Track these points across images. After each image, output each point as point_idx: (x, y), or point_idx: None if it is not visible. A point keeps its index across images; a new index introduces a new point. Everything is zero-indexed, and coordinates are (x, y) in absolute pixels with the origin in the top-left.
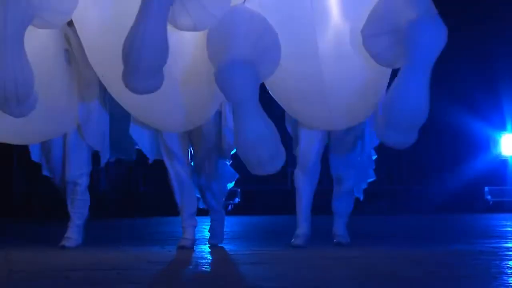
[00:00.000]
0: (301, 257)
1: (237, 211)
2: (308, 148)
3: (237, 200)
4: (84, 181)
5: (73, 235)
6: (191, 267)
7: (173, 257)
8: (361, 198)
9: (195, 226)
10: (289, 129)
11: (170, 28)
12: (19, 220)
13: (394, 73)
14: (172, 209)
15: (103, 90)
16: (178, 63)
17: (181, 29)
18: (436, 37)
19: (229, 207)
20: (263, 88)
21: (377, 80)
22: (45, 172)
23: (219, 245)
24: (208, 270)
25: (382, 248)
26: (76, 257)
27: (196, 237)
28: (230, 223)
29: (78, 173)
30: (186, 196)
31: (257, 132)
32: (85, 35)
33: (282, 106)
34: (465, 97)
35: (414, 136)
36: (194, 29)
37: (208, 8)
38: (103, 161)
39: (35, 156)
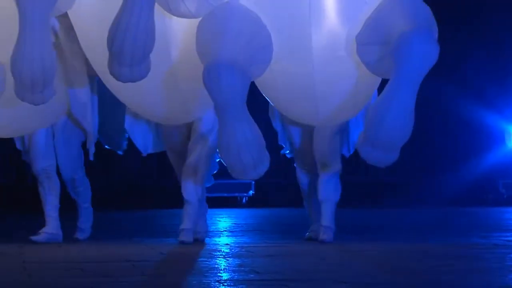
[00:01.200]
0: (316, 250)
1: (251, 203)
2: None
3: (251, 192)
4: (79, 174)
5: (83, 223)
6: (205, 259)
7: (187, 249)
8: None
9: (204, 215)
10: (274, 123)
11: (167, 19)
12: (31, 213)
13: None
14: None
15: (91, 82)
16: (172, 54)
17: (178, 16)
18: (425, 54)
19: (244, 200)
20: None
21: (368, 84)
22: (24, 158)
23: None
24: (223, 262)
25: (396, 241)
26: (89, 249)
27: (211, 229)
28: (244, 216)
29: (72, 169)
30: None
31: (241, 137)
32: (79, 25)
33: (269, 101)
34: (480, 90)
35: (395, 155)
36: (191, 16)
37: None
38: (91, 152)
39: (19, 144)
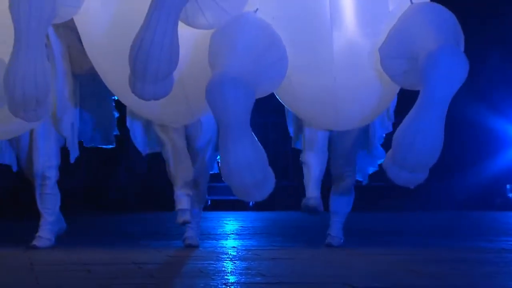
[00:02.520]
0: (322, 254)
1: (258, 207)
2: (314, 133)
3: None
4: (53, 174)
5: (45, 234)
6: (212, 262)
7: (194, 252)
8: (365, 182)
9: (189, 196)
10: (290, 128)
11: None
12: (31, 216)
13: None
14: None
15: (76, 84)
16: (182, 60)
17: (195, 27)
18: (455, 72)
19: (250, 203)
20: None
21: (390, 90)
22: (14, 167)
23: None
24: (230, 265)
25: (404, 245)
26: (96, 252)
27: (218, 232)
28: (251, 219)
29: (46, 165)
30: (182, 163)
31: (242, 159)
32: (85, 29)
33: (286, 106)
34: (487, 94)
35: (424, 175)
36: (208, 27)
37: (223, 7)
38: (73, 156)
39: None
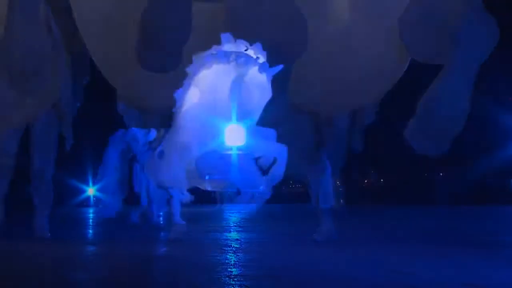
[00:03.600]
0: (327, 246)
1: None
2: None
3: (261, 188)
4: (50, 168)
5: (44, 224)
6: (215, 254)
7: (197, 244)
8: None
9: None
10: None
11: None
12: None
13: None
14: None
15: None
16: None
17: None
18: (486, 37)
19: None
20: None
21: (381, 73)
22: None
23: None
24: (233, 257)
25: (410, 238)
26: (99, 246)
27: (221, 225)
28: (254, 212)
29: (44, 160)
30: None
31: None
32: (80, 12)
33: (292, 88)
34: (493, 88)
35: (446, 146)
36: None
37: None
38: (69, 144)
39: None
